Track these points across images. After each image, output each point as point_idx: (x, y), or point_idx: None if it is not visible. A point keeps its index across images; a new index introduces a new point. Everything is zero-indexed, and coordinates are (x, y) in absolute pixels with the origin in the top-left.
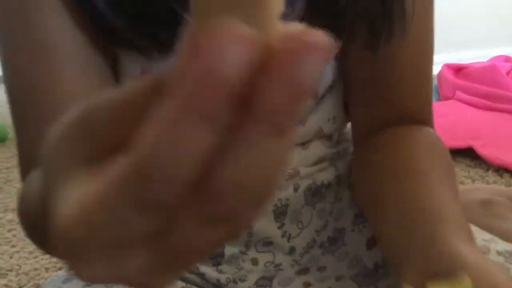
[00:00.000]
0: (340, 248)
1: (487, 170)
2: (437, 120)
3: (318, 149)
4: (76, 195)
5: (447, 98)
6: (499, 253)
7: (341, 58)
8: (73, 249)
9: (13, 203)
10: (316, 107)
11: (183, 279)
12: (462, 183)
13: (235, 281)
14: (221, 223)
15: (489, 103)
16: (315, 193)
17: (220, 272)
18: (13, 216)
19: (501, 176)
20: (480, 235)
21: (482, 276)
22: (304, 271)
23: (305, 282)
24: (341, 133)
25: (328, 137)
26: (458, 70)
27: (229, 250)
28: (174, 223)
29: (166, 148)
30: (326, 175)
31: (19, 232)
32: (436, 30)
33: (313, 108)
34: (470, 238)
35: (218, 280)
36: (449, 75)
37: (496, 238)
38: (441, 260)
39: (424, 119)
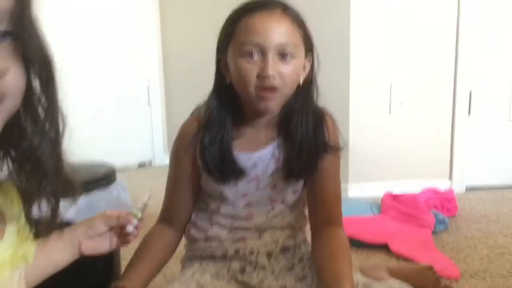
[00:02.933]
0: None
1: (392, 257)
2: (372, 224)
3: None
4: None
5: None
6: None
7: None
8: None
9: None
10: (289, 213)
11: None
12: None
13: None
14: None
15: (406, 218)
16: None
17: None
18: None
19: (398, 260)
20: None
21: None
22: None
23: None
24: (301, 228)
25: (292, 227)
26: (394, 197)
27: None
28: None
29: None
30: (291, 241)
31: None
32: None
33: (288, 213)
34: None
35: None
36: (387, 200)
37: (375, 282)
38: None
39: (338, 220)
